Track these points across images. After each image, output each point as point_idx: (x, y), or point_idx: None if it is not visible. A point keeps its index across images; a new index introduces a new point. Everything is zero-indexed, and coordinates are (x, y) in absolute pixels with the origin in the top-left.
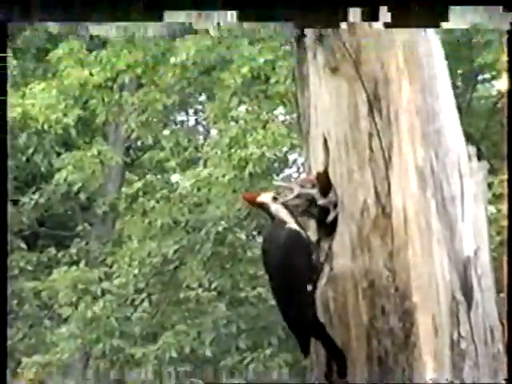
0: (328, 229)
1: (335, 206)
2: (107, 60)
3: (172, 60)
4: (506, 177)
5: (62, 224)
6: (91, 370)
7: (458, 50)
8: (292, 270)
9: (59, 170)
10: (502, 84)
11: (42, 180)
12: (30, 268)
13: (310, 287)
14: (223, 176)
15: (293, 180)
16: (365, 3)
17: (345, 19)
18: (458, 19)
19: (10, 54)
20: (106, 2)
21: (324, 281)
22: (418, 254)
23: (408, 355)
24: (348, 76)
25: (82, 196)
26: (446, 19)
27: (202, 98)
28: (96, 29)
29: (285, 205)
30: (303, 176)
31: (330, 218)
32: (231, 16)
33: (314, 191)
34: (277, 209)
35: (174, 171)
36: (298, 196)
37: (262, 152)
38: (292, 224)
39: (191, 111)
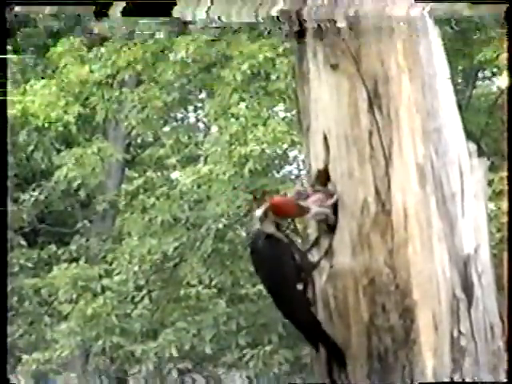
0: (328, 226)
1: (332, 194)
2: (107, 57)
3: (172, 57)
4: (506, 174)
5: (62, 221)
6: (91, 367)
7: (459, 47)
8: (277, 272)
9: (59, 167)
10: (502, 81)
11: (42, 177)
12: (30, 265)
13: (300, 286)
14: (223, 173)
15: (310, 196)
16: None
17: None
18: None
19: (10, 50)
20: None
21: (324, 278)
22: (418, 251)
23: (408, 352)
24: (348, 73)
25: (82, 193)
26: None
27: (202, 95)
28: (97, 26)
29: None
30: (319, 195)
31: (330, 202)
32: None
33: (329, 211)
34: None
35: (174, 168)
36: (313, 216)
37: (262, 149)
38: (269, 230)
39: (191, 108)
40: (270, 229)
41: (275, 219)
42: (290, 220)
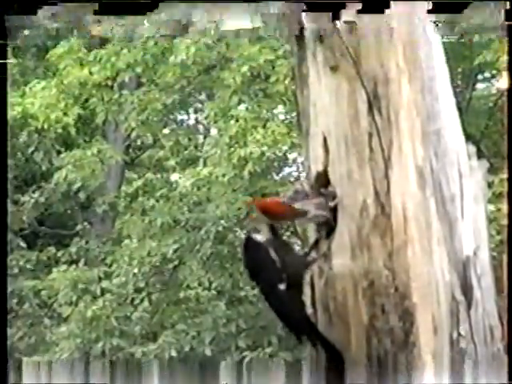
0: (327, 228)
1: (334, 197)
2: (107, 59)
3: (172, 59)
4: (506, 176)
5: (62, 223)
6: (91, 370)
7: (458, 49)
8: (257, 272)
9: (59, 168)
10: (502, 83)
11: (41, 179)
12: (29, 267)
13: (282, 286)
14: (223, 175)
15: (311, 197)
16: None
17: None
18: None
19: (9, 52)
20: None
21: (323, 280)
22: (418, 253)
23: (408, 354)
24: (348, 75)
25: (82, 195)
26: None
27: (202, 96)
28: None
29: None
30: (320, 199)
31: (332, 204)
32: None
33: (328, 215)
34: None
35: (173, 170)
36: (310, 218)
37: (261, 151)
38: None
39: (191, 110)
40: (256, 232)
41: (266, 221)
42: (289, 222)
